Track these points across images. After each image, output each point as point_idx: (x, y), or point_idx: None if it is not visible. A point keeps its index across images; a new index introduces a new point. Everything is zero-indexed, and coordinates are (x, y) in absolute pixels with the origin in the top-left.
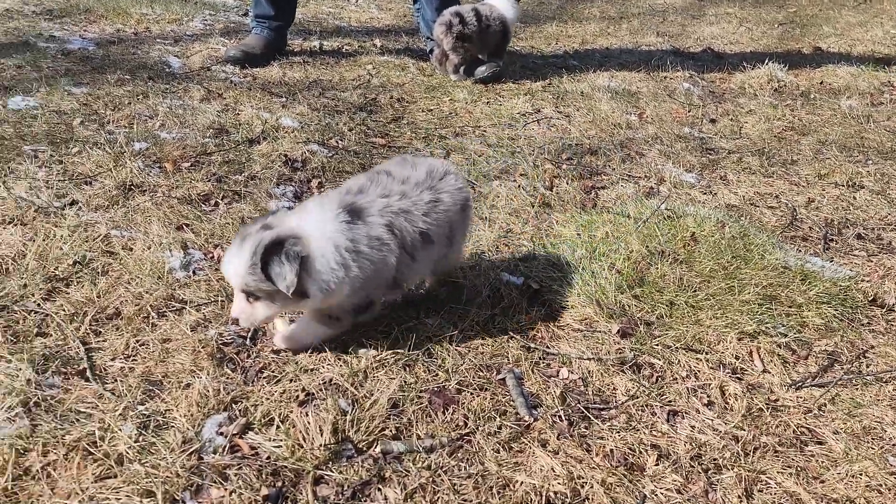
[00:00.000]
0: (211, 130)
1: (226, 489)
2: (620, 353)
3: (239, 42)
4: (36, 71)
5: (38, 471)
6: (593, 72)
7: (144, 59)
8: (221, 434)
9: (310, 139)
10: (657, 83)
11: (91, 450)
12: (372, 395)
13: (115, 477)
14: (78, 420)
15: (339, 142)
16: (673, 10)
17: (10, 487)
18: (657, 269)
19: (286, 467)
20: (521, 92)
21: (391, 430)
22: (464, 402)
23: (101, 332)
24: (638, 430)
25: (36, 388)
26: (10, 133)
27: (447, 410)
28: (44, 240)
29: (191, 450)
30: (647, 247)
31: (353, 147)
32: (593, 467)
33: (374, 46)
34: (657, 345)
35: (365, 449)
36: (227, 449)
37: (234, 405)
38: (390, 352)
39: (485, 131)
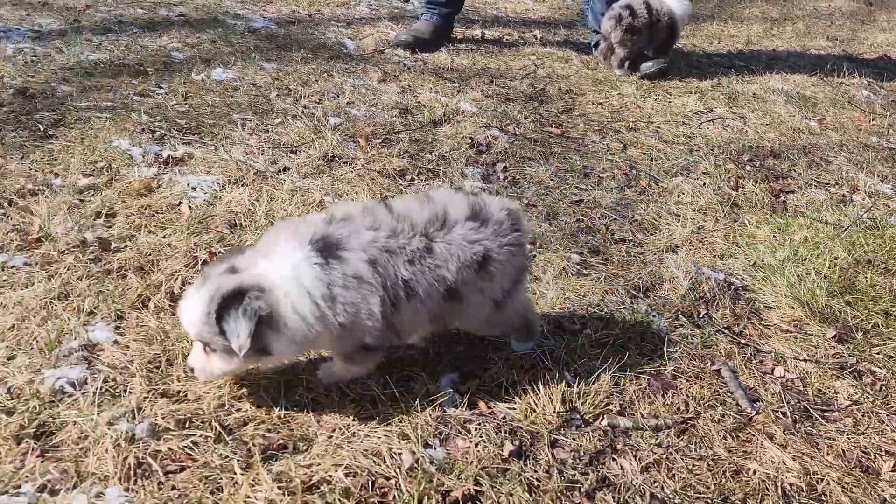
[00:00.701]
0: (396, 110)
1: (470, 440)
2: (838, 357)
3: (409, 27)
4: (228, 46)
5: (306, 402)
6: (762, 74)
7: (322, 40)
8: (458, 391)
9: (489, 124)
10: (833, 89)
11: (347, 391)
12: (594, 371)
13: (373, 419)
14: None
15: (517, 129)
16: (840, 14)
17: (282, 416)
18: (866, 277)
19: (521, 428)
20: (689, 90)
21: (615, 407)
22: (681, 388)
23: None
24: (867, 434)
25: None
26: (218, 102)
27: (666, 394)
28: (269, 200)
29: (435, 402)
30: (853, 255)
31: (530, 134)
32: (827, 465)
33: (534, 38)
34: (878, 353)
35: (591, 420)
36: (465, 405)
37: (461, 367)
38: (605, 331)
39: (658, 127)
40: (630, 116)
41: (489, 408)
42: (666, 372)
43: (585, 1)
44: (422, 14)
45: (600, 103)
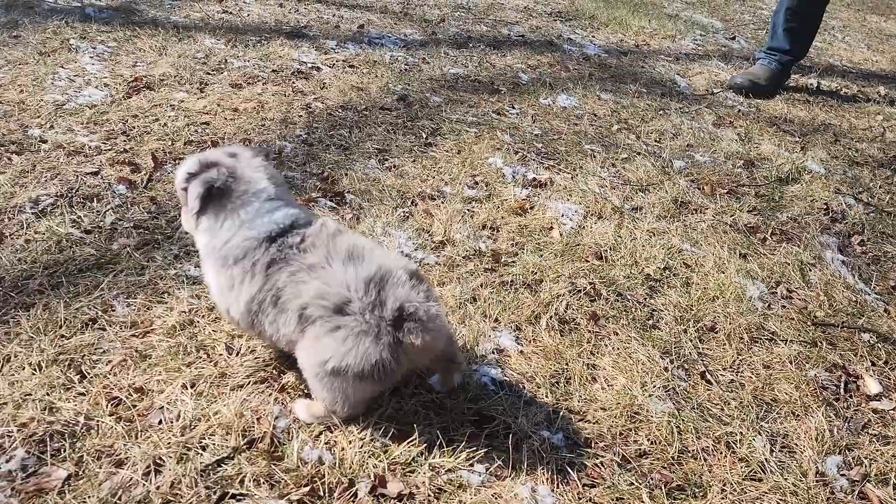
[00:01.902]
0: (739, 160)
1: None
2: None
3: (744, 70)
4: (565, 71)
5: (695, 451)
6: None
7: (653, 74)
8: (843, 476)
9: (840, 190)
10: None
11: (734, 447)
12: None
13: (759, 481)
14: (714, 417)
15: (870, 198)
16: None
17: (674, 456)
18: None
19: None
20: None
21: None
22: None
23: (703, 340)
24: None
25: (672, 375)
26: (564, 129)
27: None
28: (630, 238)
29: (824, 481)
30: None
31: (888, 207)
32: None
33: (878, 94)
34: None
35: None
36: (854, 493)
37: (847, 451)
38: None
39: None
40: None
41: (880, 501)
42: None
43: None
44: (759, 59)
45: None
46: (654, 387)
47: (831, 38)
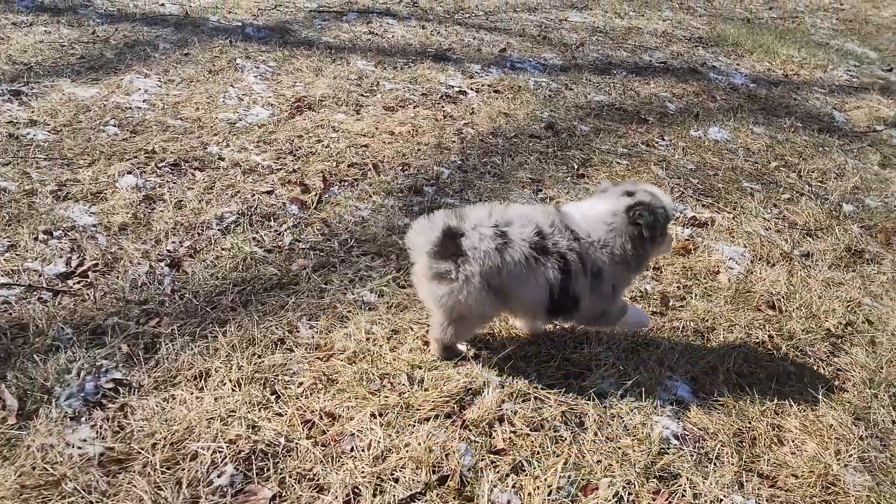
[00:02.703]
0: None
1: None
2: None
3: None
4: (712, 101)
5: None
6: None
7: (807, 107)
8: None
9: None
10: None
11: None
12: None
13: None
14: None
15: None
16: None
17: None
18: None
19: None
20: None
21: None
22: None
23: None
24: None
25: (868, 445)
26: (718, 164)
27: None
28: (804, 289)
29: None
30: None
31: None
32: None
33: None
34: None
35: None
36: None
37: None
38: None
39: None
40: None
41: None
42: None
43: None
44: None
45: None
46: (849, 456)
47: None
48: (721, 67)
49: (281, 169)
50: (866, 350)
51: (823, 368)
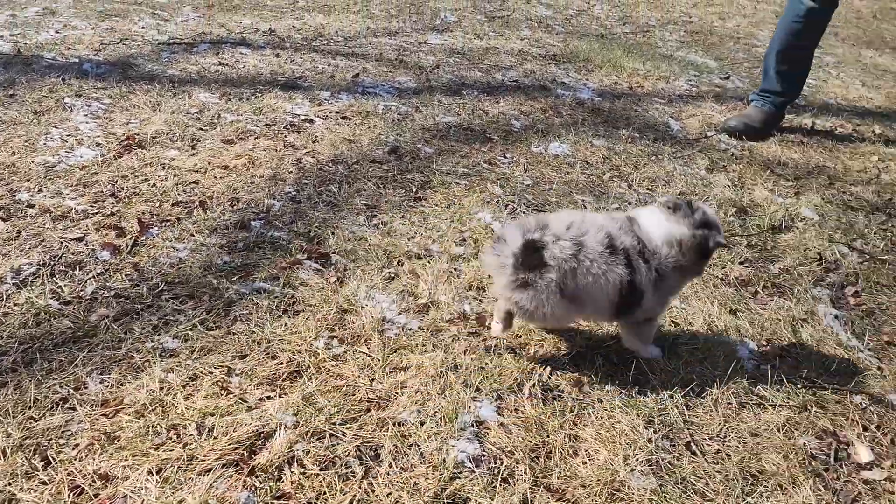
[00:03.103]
0: (732, 208)
1: None
2: None
3: (738, 112)
4: (558, 117)
5: None
6: None
7: (646, 118)
8: None
9: (833, 237)
10: None
11: None
12: None
13: None
14: (698, 493)
15: (865, 245)
16: None
17: None
18: None
19: None
20: None
21: None
22: None
23: (690, 406)
24: None
25: (657, 447)
26: (556, 178)
27: None
28: None
29: None
30: None
31: (882, 255)
32: None
33: (872, 133)
34: None
35: None
36: None
37: None
38: None
39: None
40: None
41: None
42: None
43: None
44: (753, 101)
45: None
46: (637, 460)
47: (826, 75)
48: (570, 83)
49: (97, 213)
50: (668, 352)
51: (624, 373)
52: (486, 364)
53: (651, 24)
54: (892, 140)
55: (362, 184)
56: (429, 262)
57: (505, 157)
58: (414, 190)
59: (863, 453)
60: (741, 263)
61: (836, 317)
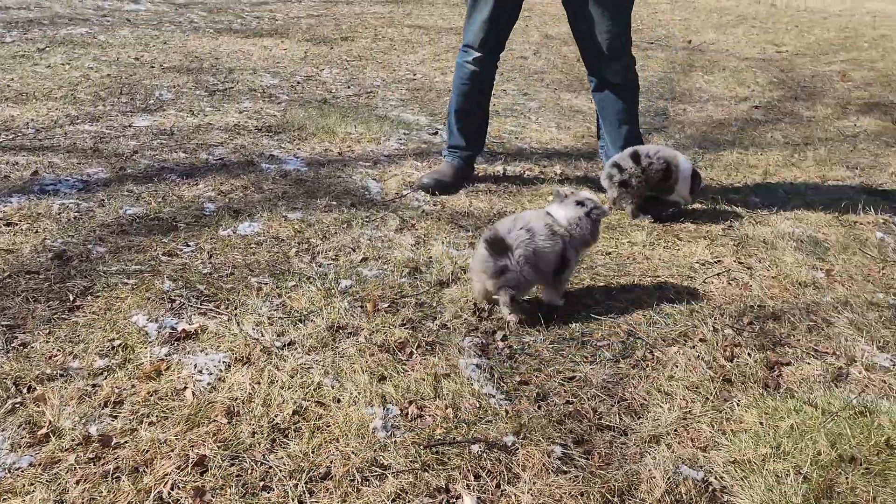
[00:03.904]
0: (406, 269)
1: None
2: None
3: (431, 170)
4: (259, 193)
5: None
6: (776, 212)
7: (348, 183)
8: None
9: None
10: (847, 229)
11: None
12: None
13: None
14: None
15: None
16: (864, 135)
17: None
18: (847, 479)
19: None
20: (700, 235)
21: None
22: None
23: (314, 492)
24: None
25: None
26: (239, 262)
27: None
28: (269, 384)
29: None
30: (837, 449)
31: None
32: None
33: (554, 173)
34: None
35: None
36: None
37: None
38: None
39: (663, 283)
40: (637, 270)
41: None
42: None
43: (601, 145)
44: (444, 156)
45: (609, 253)
46: None
47: (526, 121)
48: (279, 155)
49: None
50: (307, 437)
51: (256, 471)
52: (101, 492)
53: (376, 84)
54: (569, 178)
55: (8, 301)
56: (64, 382)
57: (188, 245)
58: (71, 299)
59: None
60: (403, 325)
61: (477, 366)
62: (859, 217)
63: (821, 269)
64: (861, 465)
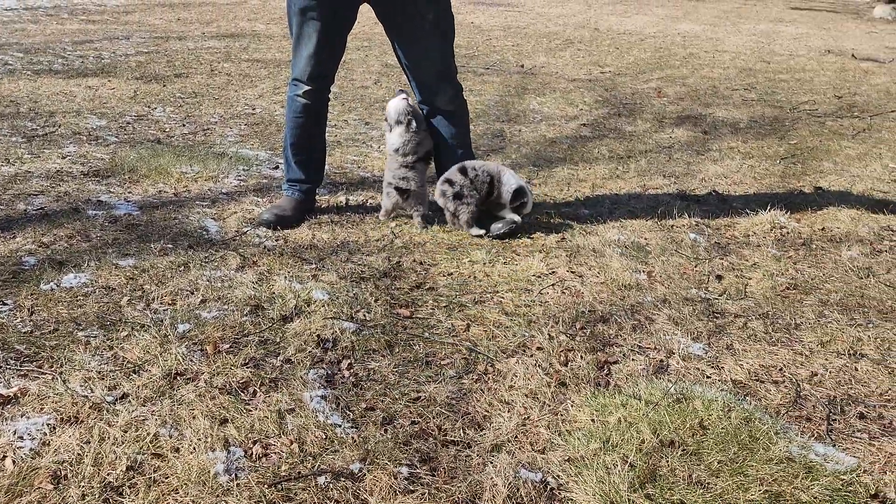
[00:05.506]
0: (248, 307)
1: None
2: None
3: (271, 205)
4: (86, 242)
5: None
6: (604, 223)
7: (184, 224)
8: None
9: (339, 314)
10: (665, 233)
11: None
12: None
13: None
14: None
15: (367, 314)
16: (679, 145)
17: None
18: (668, 462)
19: None
20: (536, 248)
21: None
22: None
23: None
24: None
25: None
26: (65, 316)
27: None
28: (99, 442)
29: None
30: (658, 436)
31: (379, 320)
32: None
33: None
34: None
35: None
36: None
37: None
38: None
39: (502, 298)
40: (477, 287)
41: None
42: None
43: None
44: (284, 190)
45: (451, 273)
46: None
47: (368, 150)
48: (108, 200)
49: None
50: (144, 496)
51: None
52: None
53: (213, 121)
54: None
55: None
56: None
57: (5, 304)
58: None
59: None
60: (244, 365)
61: (322, 397)
62: (675, 221)
63: (643, 272)
64: (679, 447)
